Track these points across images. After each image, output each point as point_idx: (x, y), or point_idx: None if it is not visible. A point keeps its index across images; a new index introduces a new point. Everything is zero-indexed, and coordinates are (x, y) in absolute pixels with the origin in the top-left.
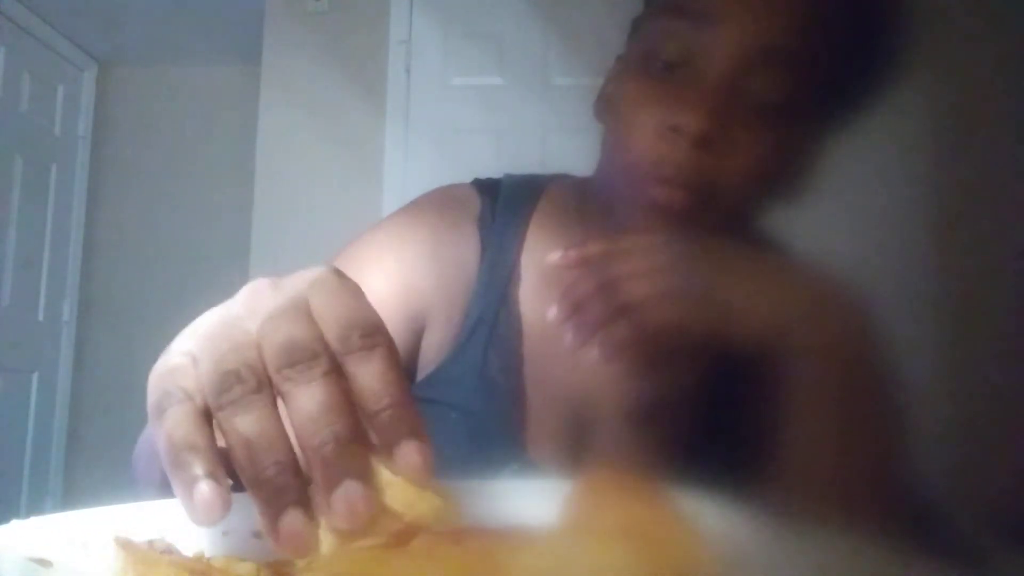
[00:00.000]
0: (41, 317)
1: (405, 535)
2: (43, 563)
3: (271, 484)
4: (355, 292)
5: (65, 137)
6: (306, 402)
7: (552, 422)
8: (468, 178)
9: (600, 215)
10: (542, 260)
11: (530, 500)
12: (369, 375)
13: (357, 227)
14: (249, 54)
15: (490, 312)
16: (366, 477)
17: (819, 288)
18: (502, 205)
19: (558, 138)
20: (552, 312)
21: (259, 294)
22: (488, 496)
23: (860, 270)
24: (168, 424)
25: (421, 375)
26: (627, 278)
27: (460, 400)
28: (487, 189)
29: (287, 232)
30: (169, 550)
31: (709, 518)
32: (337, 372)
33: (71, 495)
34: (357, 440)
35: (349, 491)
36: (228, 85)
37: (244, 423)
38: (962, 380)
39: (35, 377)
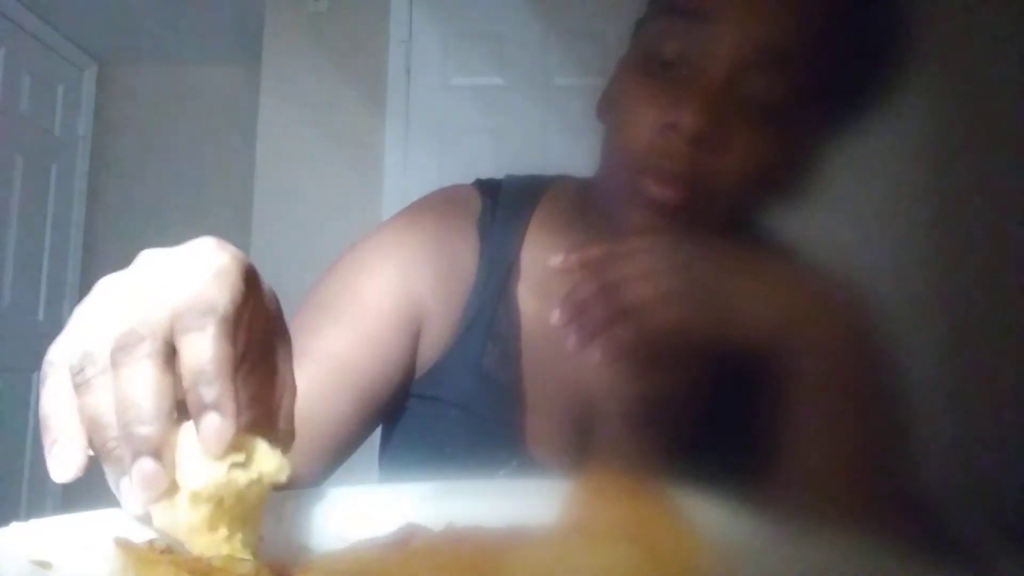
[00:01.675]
0: (41, 317)
1: (405, 535)
2: (43, 565)
3: (111, 456)
4: (208, 269)
5: (65, 137)
6: (123, 383)
7: (552, 418)
8: (468, 178)
9: (601, 215)
10: (542, 257)
11: (530, 500)
12: (191, 353)
13: (357, 227)
14: (249, 54)
15: (488, 307)
16: (159, 455)
17: (820, 288)
18: (503, 205)
19: (558, 138)
20: (554, 316)
21: (140, 270)
22: (488, 496)
23: (860, 270)
24: (41, 395)
25: (419, 374)
26: (628, 280)
27: (458, 396)
28: (488, 190)
29: (287, 232)
30: (169, 550)
31: (709, 518)
32: (162, 354)
33: (71, 496)
34: (163, 420)
35: (140, 468)
36: (228, 85)
37: (89, 403)
38: (963, 379)
39: (35, 377)
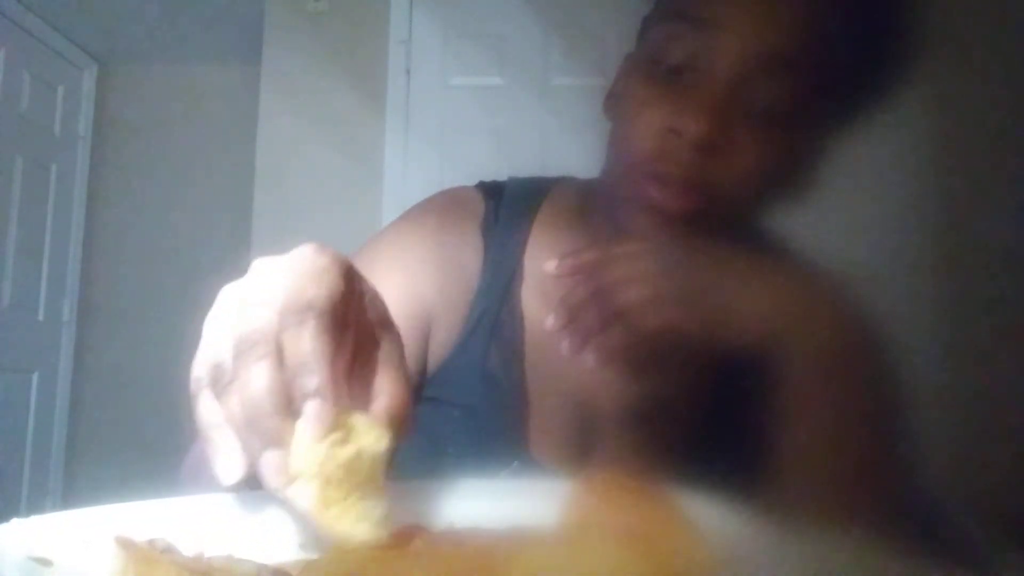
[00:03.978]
0: (41, 317)
1: (405, 535)
2: (43, 562)
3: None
4: (307, 270)
5: (65, 137)
6: (245, 386)
7: (554, 420)
8: (468, 178)
9: (603, 216)
10: (545, 260)
11: (530, 500)
12: (292, 348)
13: (357, 227)
14: (249, 54)
15: (492, 310)
16: (283, 445)
17: (814, 289)
18: (506, 207)
19: (558, 138)
20: (550, 320)
21: (250, 278)
22: (488, 496)
23: (860, 271)
24: (197, 411)
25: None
26: (620, 284)
27: (462, 397)
28: (491, 191)
29: (287, 232)
30: (169, 549)
31: (709, 519)
32: (275, 354)
33: (71, 495)
34: (281, 413)
35: (268, 458)
36: (228, 85)
37: (228, 408)
38: (961, 380)
39: (35, 377)
